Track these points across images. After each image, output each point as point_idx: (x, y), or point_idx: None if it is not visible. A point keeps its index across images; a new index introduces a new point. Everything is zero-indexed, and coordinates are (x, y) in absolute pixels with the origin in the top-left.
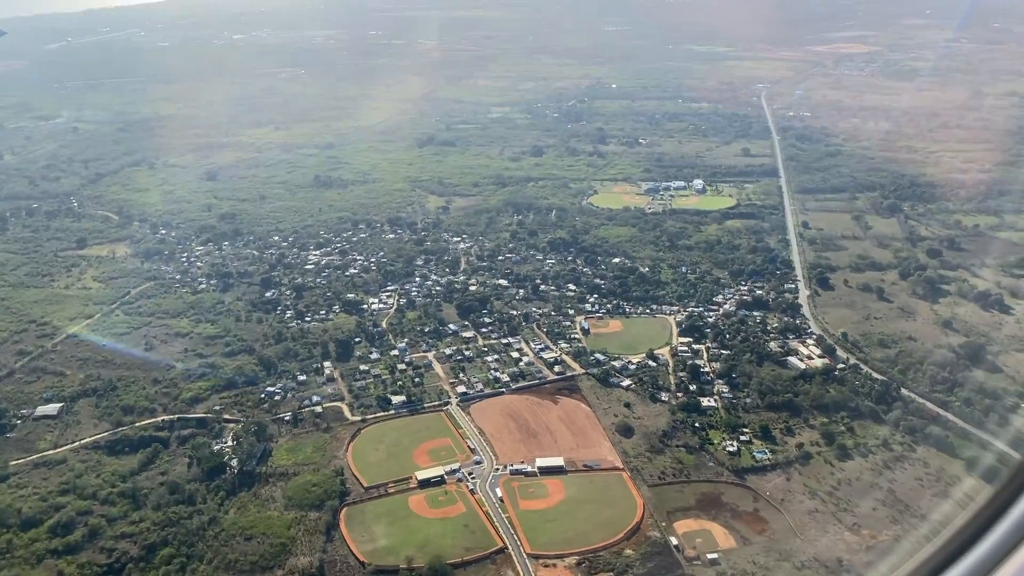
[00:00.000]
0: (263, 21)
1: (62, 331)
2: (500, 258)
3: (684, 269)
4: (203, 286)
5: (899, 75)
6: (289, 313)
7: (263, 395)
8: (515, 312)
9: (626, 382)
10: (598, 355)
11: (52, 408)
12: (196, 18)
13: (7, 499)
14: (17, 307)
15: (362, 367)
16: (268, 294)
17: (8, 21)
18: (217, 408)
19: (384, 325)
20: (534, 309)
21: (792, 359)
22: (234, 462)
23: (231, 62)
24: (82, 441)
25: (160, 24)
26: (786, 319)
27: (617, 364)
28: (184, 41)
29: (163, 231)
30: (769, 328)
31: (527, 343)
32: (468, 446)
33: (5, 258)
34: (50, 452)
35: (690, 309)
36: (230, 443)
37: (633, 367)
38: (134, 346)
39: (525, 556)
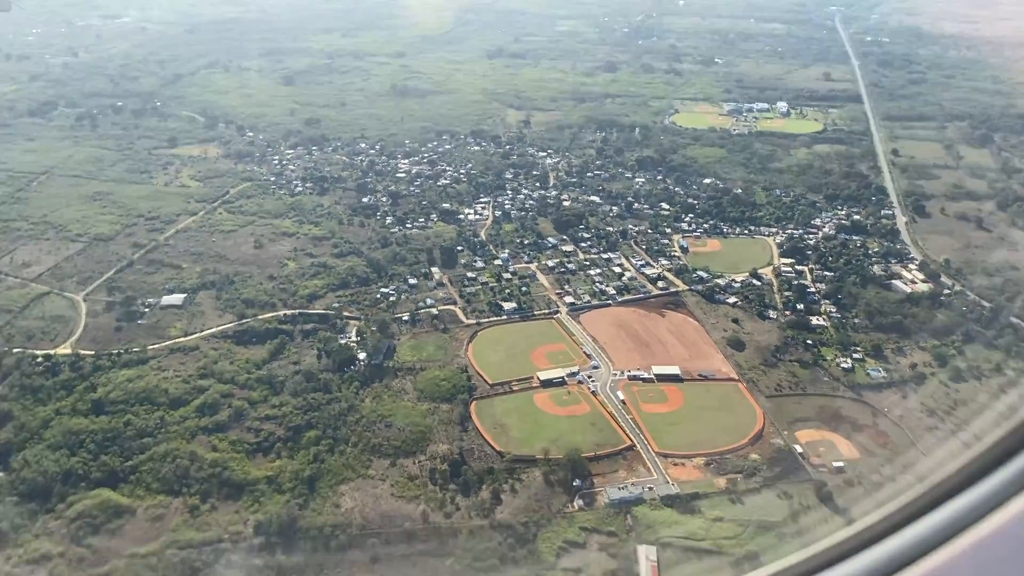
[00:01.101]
0: None
1: (172, 226)
2: (589, 175)
3: (778, 192)
4: (299, 189)
5: (976, 3)
6: (389, 219)
7: (378, 295)
8: (611, 228)
9: (732, 299)
10: (700, 272)
11: (177, 298)
12: None
13: (153, 380)
14: (123, 201)
15: (469, 274)
16: (365, 199)
17: None
18: (336, 306)
19: (483, 236)
20: (630, 226)
21: (896, 283)
22: (362, 355)
23: None
24: (211, 330)
25: None
26: (886, 244)
27: (721, 282)
28: None
29: (250, 133)
30: (870, 252)
31: (627, 259)
32: (583, 352)
33: (101, 154)
34: (181, 339)
35: (789, 231)
36: (354, 338)
37: (737, 285)
38: (243, 243)
39: (653, 454)
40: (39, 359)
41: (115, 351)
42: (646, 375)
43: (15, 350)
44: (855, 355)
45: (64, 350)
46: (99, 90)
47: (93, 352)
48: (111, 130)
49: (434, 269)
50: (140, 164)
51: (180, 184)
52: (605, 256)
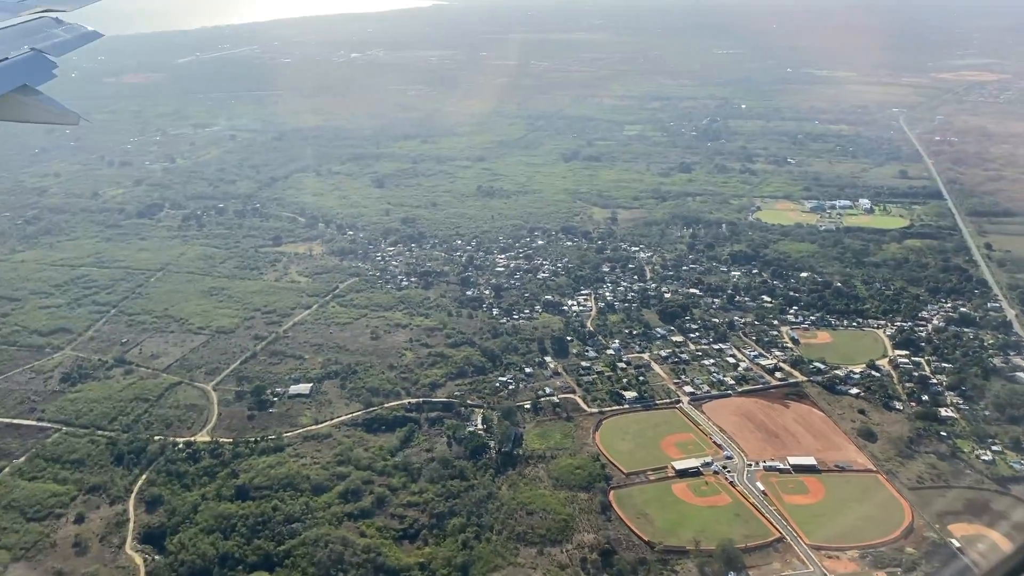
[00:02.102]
0: (374, 42)
1: (288, 319)
2: (684, 268)
3: (878, 285)
4: (405, 283)
5: None
6: (495, 311)
7: (497, 384)
8: (717, 320)
9: (853, 390)
10: (817, 364)
11: (304, 388)
12: (305, 38)
13: (293, 466)
14: (238, 296)
15: (583, 364)
16: (468, 292)
17: (132, 37)
18: (458, 394)
19: (590, 326)
20: (736, 318)
21: (1021, 375)
22: (492, 443)
23: (357, 78)
24: (340, 418)
25: (275, 42)
26: (1000, 336)
27: (839, 373)
28: (305, 58)
29: (350, 232)
30: (985, 344)
31: (738, 350)
32: (713, 441)
33: (211, 252)
34: (313, 427)
35: (897, 324)
36: (481, 426)
37: (856, 376)
38: (360, 335)
39: (805, 546)
40: (180, 446)
41: (252, 439)
42: (782, 466)
43: (156, 437)
44: (994, 447)
45: (203, 438)
46: (200, 193)
47: (231, 440)
48: (216, 230)
49: (547, 358)
50: (249, 261)
51: (290, 280)
52: (716, 347)
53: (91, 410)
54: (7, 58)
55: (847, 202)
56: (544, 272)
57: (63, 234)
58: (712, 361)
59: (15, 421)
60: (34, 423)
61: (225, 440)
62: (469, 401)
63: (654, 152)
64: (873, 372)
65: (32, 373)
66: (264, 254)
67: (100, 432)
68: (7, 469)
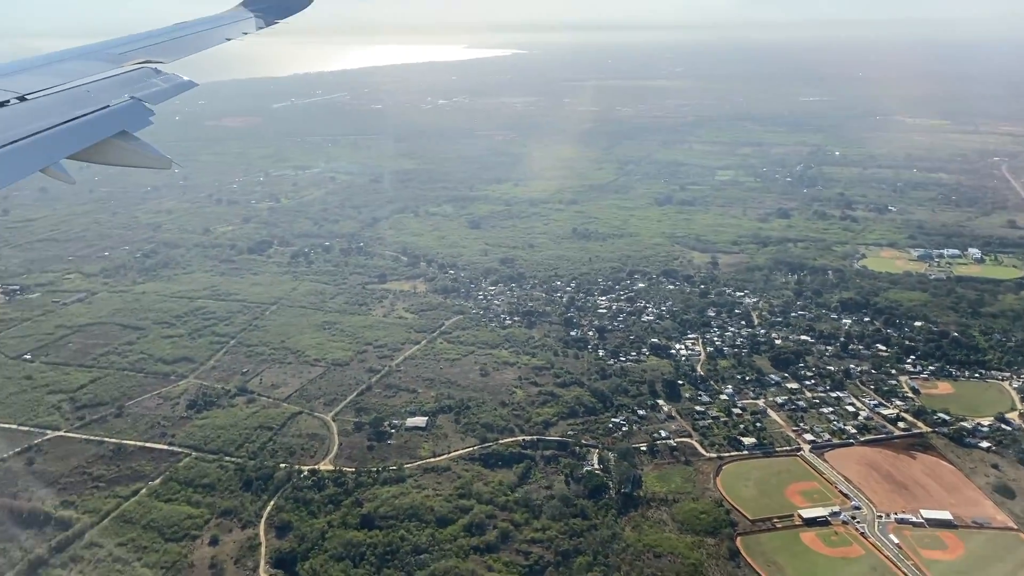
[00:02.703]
0: (459, 89)
1: (399, 353)
2: (792, 314)
3: (997, 336)
4: (508, 322)
5: None
6: (601, 352)
7: (610, 425)
8: (832, 368)
9: (983, 443)
10: (941, 414)
11: (420, 421)
12: (393, 85)
13: (416, 497)
14: (349, 330)
15: (697, 408)
16: (572, 333)
17: (228, 83)
18: (572, 433)
19: (700, 370)
20: (851, 366)
21: None
22: (611, 484)
23: (445, 124)
24: (457, 452)
25: (364, 89)
26: None
27: (967, 425)
28: (394, 104)
29: (451, 271)
30: None
31: (857, 398)
32: (839, 491)
33: (321, 288)
34: (432, 460)
35: None
36: (598, 466)
37: (985, 429)
38: (469, 371)
39: None
40: (305, 474)
41: (373, 469)
42: (915, 519)
43: (282, 465)
44: None
45: (326, 466)
46: (306, 231)
47: (353, 469)
48: (324, 266)
49: (659, 401)
50: (356, 297)
51: (397, 316)
52: (834, 395)
53: (218, 436)
54: (108, 106)
55: (955, 251)
56: (648, 315)
57: (179, 267)
58: (830, 409)
59: (148, 444)
60: (166, 447)
61: (348, 469)
62: (584, 441)
63: (749, 197)
64: (1003, 425)
65: (160, 399)
66: (371, 291)
67: (228, 458)
68: (144, 490)
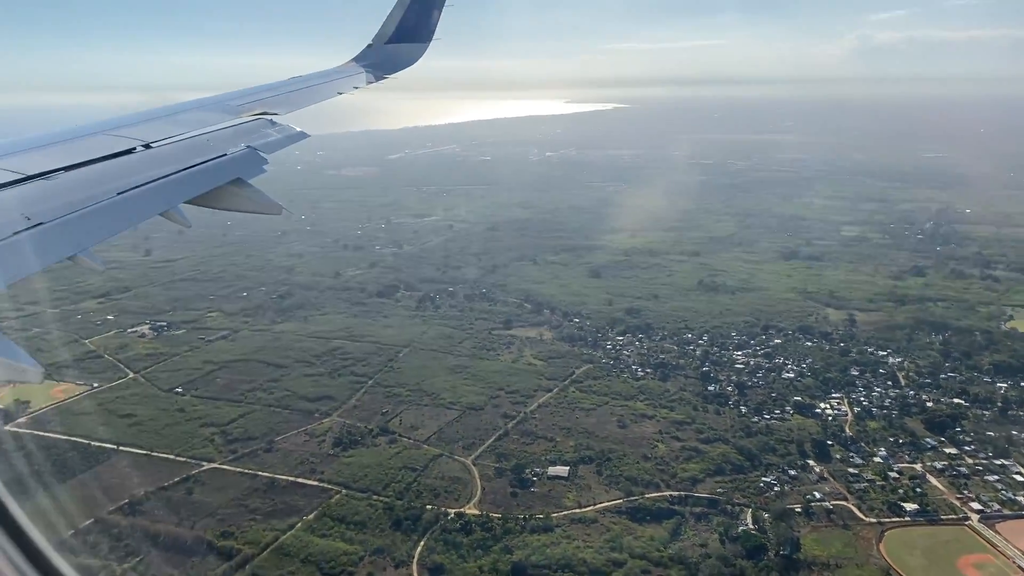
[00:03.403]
0: (564, 142)
1: (532, 400)
2: (942, 376)
3: None
4: (640, 373)
5: None
6: (743, 408)
7: (761, 484)
8: (992, 433)
9: None
10: None
11: (562, 470)
12: (499, 138)
13: (568, 548)
14: (480, 375)
15: (850, 470)
16: (710, 388)
17: (342, 135)
18: (721, 491)
19: (849, 432)
20: (1014, 432)
21: None
22: (769, 545)
23: (554, 175)
24: (603, 504)
25: (473, 141)
26: None
27: None
28: (502, 157)
29: (576, 319)
30: None
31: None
32: (1017, 565)
33: (449, 332)
34: (578, 510)
35: None
36: (752, 526)
37: None
38: (606, 422)
39: None
40: (451, 516)
41: (520, 516)
42: None
43: (428, 506)
44: None
45: (472, 510)
46: (430, 277)
47: (499, 515)
48: (450, 311)
49: (810, 462)
50: (484, 342)
51: (526, 362)
52: (997, 462)
53: (365, 475)
54: (225, 154)
55: None
56: (788, 372)
57: (314, 309)
58: (996, 477)
59: (299, 480)
60: (316, 483)
61: (495, 515)
62: (735, 499)
63: (879, 254)
64: None
65: (307, 436)
66: (497, 336)
67: (376, 496)
68: (299, 524)
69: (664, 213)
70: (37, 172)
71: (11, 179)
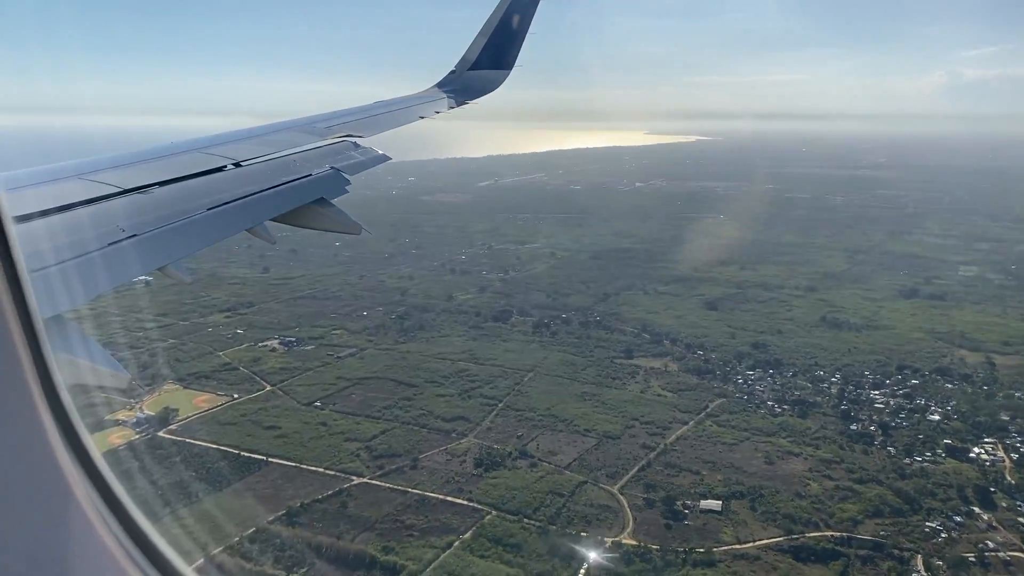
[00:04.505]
0: (652, 173)
1: (669, 432)
2: None
3: None
4: (777, 410)
5: None
6: (891, 449)
7: (927, 529)
8: None
9: None
10: None
11: (715, 504)
12: (585, 167)
13: None
14: (610, 403)
15: (1020, 519)
16: (852, 427)
17: (426, 162)
18: (884, 534)
19: (1010, 478)
20: None
21: None
22: None
23: (647, 206)
24: (763, 541)
25: (559, 170)
26: None
27: None
28: (592, 186)
29: (699, 352)
30: None
31: None
32: None
33: (570, 359)
34: (737, 546)
35: None
36: (924, 572)
37: None
38: (751, 457)
39: None
40: (608, 544)
41: (679, 548)
42: None
43: (582, 533)
44: None
45: (628, 540)
46: (541, 303)
47: (658, 546)
48: (567, 338)
49: (975, 509)
50: (607, 371)
51: (655, 393)
52: None
53: (513, 497)
54: (310, 175)
55: None
56: (933, 414)
57: (434, 330)
58: None
59: (448, 498)
60: (465, 503)
61: (653, 546)
62: (902, 544)
63: (1004, 295)
64: None
65: (448, 455)
66: (619, 365)
67: (527, 520)
68: (456, 543)
69: (769, 247)
70: (133, 187)
71: (109, 192)
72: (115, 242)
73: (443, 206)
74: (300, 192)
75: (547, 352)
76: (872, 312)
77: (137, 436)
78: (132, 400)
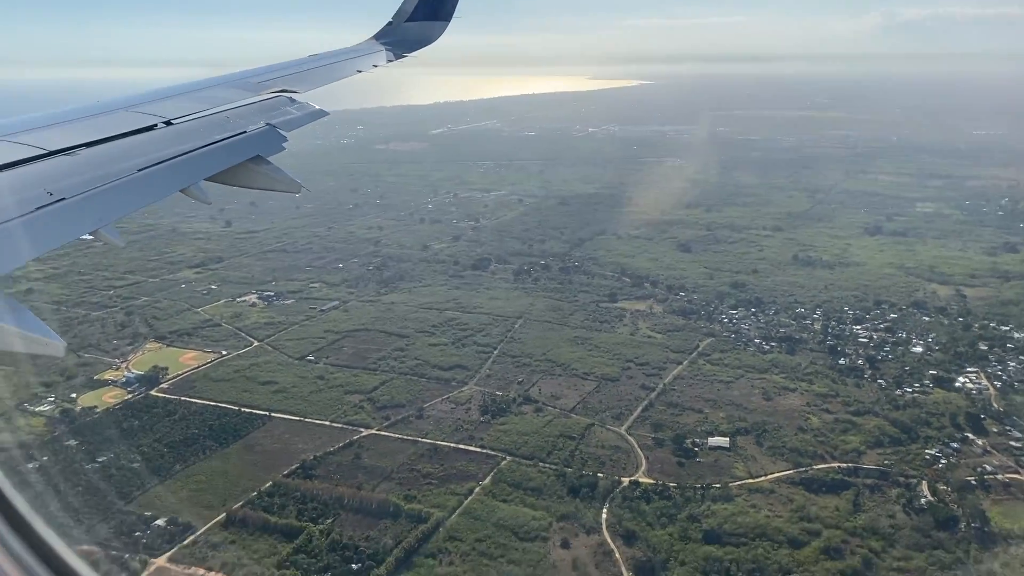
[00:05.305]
0: (602, 118)
1: (664, 372)
2: None
3: None
4: (766, 347)
5: None
6: (881, 382)
7: (927, 456)
8: None
9: None
10: None
11: (723, 440)
12: (536, 113)
13: (757, 518)
14: (604, 346)
15: (1013, 443)
16: (841, 361)
17: (373, 111)
18: (887, 463)
19: (997, 405)
20: None
21: None
22: (959, 517)
23: (604, 151)
24: (774, 475)
25: (511, 117)
26: None
27: None
28: (547, 131)
29: (681, 293)
30: None
31: None
32: None
33: (556, 304)
34: (750, 480)
35: None
36: (931, 498)
37: None
38: (749, 394)
39: None
40: (626, 484)
41: (697, 485)
42: None
43: (599, 474)
44: None
45: (645, 479)
46: (517, 250)
47: (675, 484)
48: (548, 284)
49: (969, 435)
50: (594, 315)
51: (645, 335)
52: None
53: (525, 442)
54: (245, 131)
55: None
56: (916, 346)
57: (415, 281)
58: None
59: (461, 446)
60: (478, 450)
61: (672, 484)
62: (906, 472)
63: (962, 230)
64: None
65: (451, 404)
66: (605, 309)
67: (542, 464)
68: (477, 489)
69: (731, 189)
70: (59, 148)
71: (34, 154)
72: (42, 207)
73: (399, 154)
74: (235, 150)
75: (532, 299)
76: (841, 249)
77: (130, 395)
78: (119, 363)
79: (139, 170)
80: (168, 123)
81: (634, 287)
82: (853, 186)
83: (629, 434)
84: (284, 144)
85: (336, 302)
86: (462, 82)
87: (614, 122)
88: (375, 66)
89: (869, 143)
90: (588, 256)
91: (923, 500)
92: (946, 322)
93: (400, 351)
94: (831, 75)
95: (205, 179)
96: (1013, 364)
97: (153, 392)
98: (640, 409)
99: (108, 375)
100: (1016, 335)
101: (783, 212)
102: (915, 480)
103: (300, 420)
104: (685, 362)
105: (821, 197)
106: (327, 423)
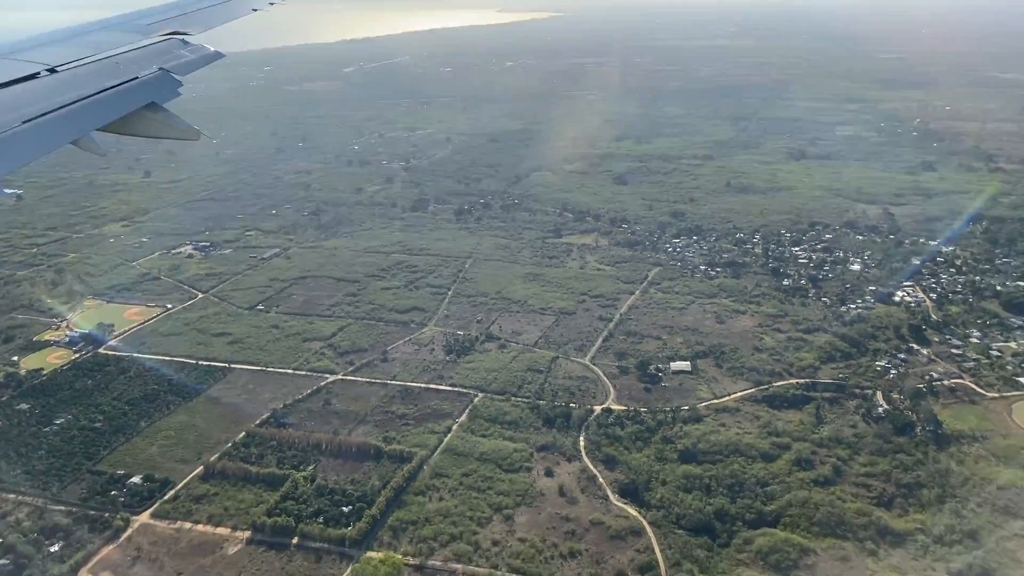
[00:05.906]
0: (517, 51)
1: (619, 303)
2: (997, 262)
3: None
4: (712, 273)
5: None
6: (825, 300)
7: (878, 368)
8: None
9: None
10: None
11: (685, 365)
12: (447, 48)
13: (728, 435)
14: (556, 281)
15: (953, 351)
16: (785, 283)
17: (276, 51)
18: (842, 376)
19: (935, 316)
20: None
21: None
22: (915, 422)
23: (526, 86)
24: (737, 394)
25: (424, 53)
26: None
27: None
28: (464, 67)
29: (624, 225)
30: None
31: None
32: None
33: (503, 242)
34: (715, 401)
35: None
36: (887, 406)
37: None
38: (703, 319)
39: None
40: (598, 412)
41: (667, 408)
42: None
43: (571, 404)
44: None
45: (616, 406)
46: (455, 190)
47: (646, 408)
48: (492, 223)
49: (913, 346)
50: (541, 251)
51: (594, 268)
52: None
53: (495, 379)
54: (137, 77)
55: None
56: (854, 265)
57: (355, 225)
58: None
59: (431, 385)
60: (449, 388)
61: (643, 409)
62: (860, 383)
63: (882, 151)
64: None
65: (414, 345)
66: (552, 244)
67: (515, 398)
68: (455, 427)
69: (657, 120)
70: None
71: None
72: None
73: (314, 95)
74: (127, 97)
75: (478, 238)
76: (770, 175)
77: (77, 355)
78: (55, 320)
79: (24, 122)
80: (52, 70)
81: (577, 221)
82: (773, 113)
83: (594, 364)
84: (179, 89)
85: (276, 249)
86: (367, 18)
87: (531, 55)
88: (271, 3)
89: (782, 70)
90: (527, 193)
91: (880, 409)
92: (879, 240)
93: (352, 296)
94: (733, 4)
95: (97, 129)
96: (945, 277)
97: (102, 350)
98: (601, 340)
99: (48, 335)
100: (944, 249)
101: (710, 141)
102: (870, 391)
103: (262, 370)
104: (637, 292)
105: (744, 125)
106: (290, 372)
